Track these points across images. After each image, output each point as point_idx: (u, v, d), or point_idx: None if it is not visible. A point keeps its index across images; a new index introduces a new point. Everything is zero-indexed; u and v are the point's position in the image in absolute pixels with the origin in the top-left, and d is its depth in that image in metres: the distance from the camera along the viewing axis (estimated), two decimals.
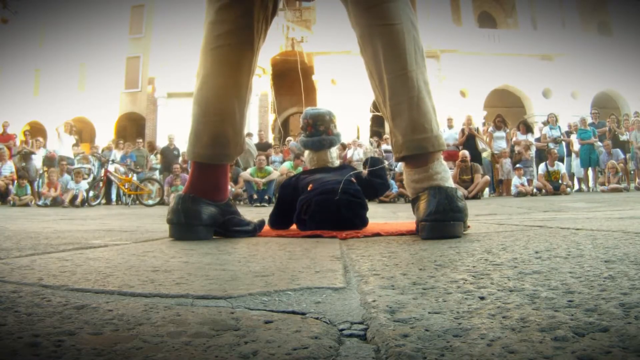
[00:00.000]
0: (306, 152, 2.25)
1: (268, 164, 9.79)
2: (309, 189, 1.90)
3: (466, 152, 9.03)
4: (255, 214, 4.78)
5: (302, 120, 2.24)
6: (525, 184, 9.51)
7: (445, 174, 1.44)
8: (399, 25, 1.43)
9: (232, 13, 1.53)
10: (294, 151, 9.82)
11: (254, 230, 1.71)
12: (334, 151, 2.24)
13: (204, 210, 1.54)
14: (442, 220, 1.34)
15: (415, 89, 1.41)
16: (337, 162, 2.24)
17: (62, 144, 11.30)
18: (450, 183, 1.43)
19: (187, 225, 1.51)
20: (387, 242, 1.36)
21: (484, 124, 13.35)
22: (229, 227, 1.62)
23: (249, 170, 9.17)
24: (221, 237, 1.63)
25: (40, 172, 10.85)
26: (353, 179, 1.95)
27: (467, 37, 18.76)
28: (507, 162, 9.90)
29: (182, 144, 12.52)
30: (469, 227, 1.60)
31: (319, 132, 2.19)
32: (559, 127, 11.15)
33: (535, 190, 9.50)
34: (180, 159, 11.37)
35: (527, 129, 10.95)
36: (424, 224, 1.36)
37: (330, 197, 1.79)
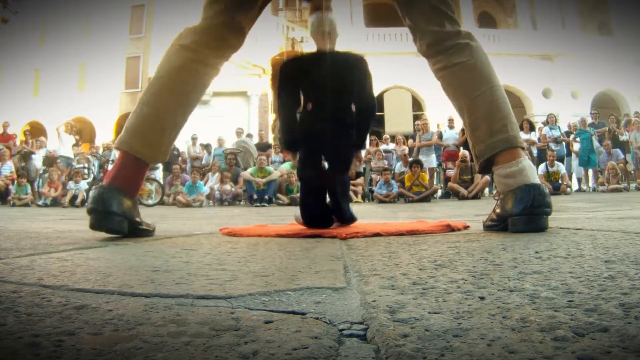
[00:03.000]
0: (310, 22, 2.17)
1: (268, 164, 9.79)
2: (308, 107, 1.96)
3: (466, 152, 9.02)
4: (255, 213, 4.77)
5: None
6: None
7: (532, 170, 1.59)
8: (465, 62, 1.65)
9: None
10: None
11: (153, 231, 1.82)
12: (335, 23, 2.16)
13: (122, 202, 1.60)
14: (536, 214, 1.49)
15: (487, 104, 1.62)
16: (337, 33, 2.16)
17: (62, 144, 11.30)
18: (538, 179, 1.58)
19: (105, 212, 1.57)
20: (387, 242, 1.36)
21: None
22: (136, 225, 1.69)
23: (250, 170, 9.17)
24: (217, 237, 1.63)
25: (41, 172, 10.84)
26: (353, 106, 1.99)
27: None
28: None
29: (182, 144, 12.53)
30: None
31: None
32: (559, 127, 11.14)
33: None
34: (180, 158, 11.37)
35: (531, 127, 10.96)
36: (519, 218, 1.50)
37: (326, 126, 1.89)
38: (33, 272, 0.87)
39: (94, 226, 1.58)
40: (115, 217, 1.58)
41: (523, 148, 1.64)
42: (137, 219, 1.71)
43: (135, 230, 1.68)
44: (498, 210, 1.63)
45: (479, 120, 1.65)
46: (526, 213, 1.49)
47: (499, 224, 1.62)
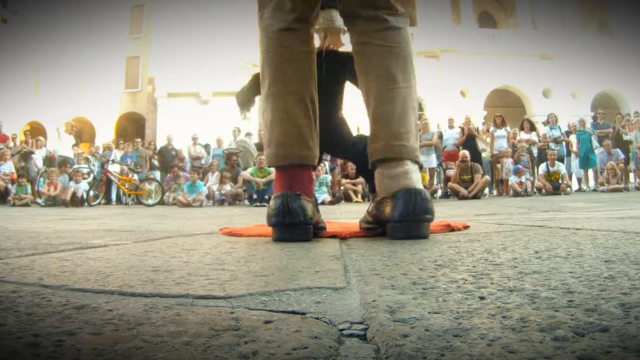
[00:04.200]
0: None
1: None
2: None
3: (466, 152, 9.03)
4: (255, 213, 4.77)
5: None
6: (524, 182, 9.49)
7: (417, 175, 1.50)
8: (390, 47, 1.53)
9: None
10: None
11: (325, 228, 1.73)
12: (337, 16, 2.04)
13: (308, 207, 1.49)
14: (416, 221, 1.40)
15: (399, 103, 1.50)
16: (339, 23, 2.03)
17: (62, 144, 11.30)
18: (421, 185, 1.49)
19: (294, 224, 1.45)
20: (387, 242, 1.36)
21: (483, 124, 13.34)
22: (315, 225, 1.60)
23: (249, 170, 9.17)
24: (217, 237, 1.63)
25: (42, 171, 10.83)
26: None
27: (467, 37, 18.75)
28: (508, 162, 9.89)
29: (182, 144, 12.52)
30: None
31: None
32: (559, 127, 11.14)
33: (534, 190, 9.49)
34: (177, 158, 11.39)
35: (531, 127, 10.97)
36: (399, 225, 1.41)
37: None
38: (33, 272, 0.88)
39: (281, 238, 1.48)
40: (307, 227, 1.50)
41: (418, 163, 1.54)
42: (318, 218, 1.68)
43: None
44: (375, 212, 1.54)
45: (386, 116, 1.52)
46: (406, 220, 1.40)
47: (376, 227, 1.55)
